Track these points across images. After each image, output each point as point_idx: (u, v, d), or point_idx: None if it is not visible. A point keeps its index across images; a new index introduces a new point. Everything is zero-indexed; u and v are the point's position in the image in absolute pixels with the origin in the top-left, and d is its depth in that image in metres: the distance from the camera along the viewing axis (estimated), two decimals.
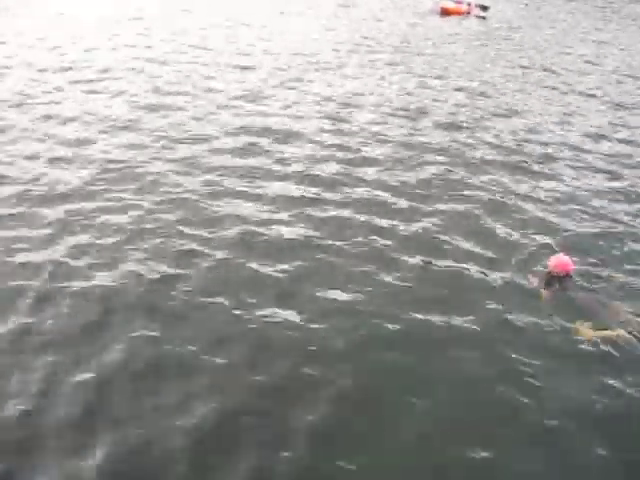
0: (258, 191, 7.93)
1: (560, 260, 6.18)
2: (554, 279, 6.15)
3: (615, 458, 4.36)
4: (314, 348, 5.23)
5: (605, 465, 4.33)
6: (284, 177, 8.39)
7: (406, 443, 4.42)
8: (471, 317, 5.75)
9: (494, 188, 8.45)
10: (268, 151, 9.24)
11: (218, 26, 17.51)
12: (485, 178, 8.76)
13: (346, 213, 7.49)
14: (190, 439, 4.33)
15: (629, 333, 5.48)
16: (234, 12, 19.71)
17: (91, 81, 12.17)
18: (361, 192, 8.06)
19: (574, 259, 6.39)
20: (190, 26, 17.25)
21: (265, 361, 5.07)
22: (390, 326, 5.54)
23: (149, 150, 9.08)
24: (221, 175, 8.37)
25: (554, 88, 13.55)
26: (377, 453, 4.34)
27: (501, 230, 7.34)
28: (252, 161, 8.85)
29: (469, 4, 22.35)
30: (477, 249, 6.90)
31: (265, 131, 9.96)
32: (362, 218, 7.39)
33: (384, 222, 7.33)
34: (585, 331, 5.52)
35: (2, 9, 19.18)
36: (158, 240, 6.74)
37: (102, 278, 6.03)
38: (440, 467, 4.28)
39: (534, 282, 6.21)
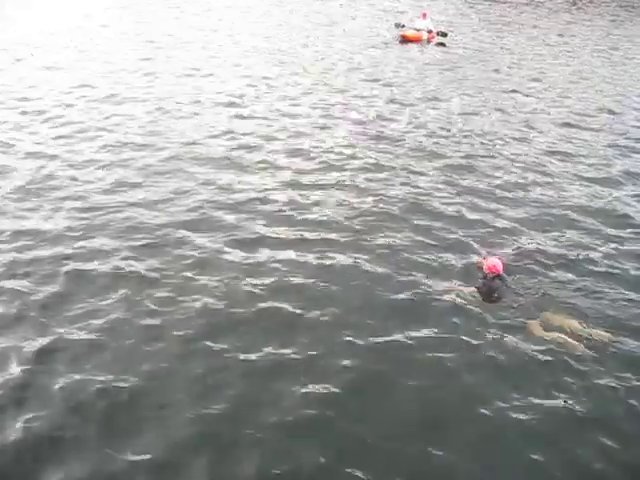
0: None
1: (490, 262, 7.05)
2: (487, 280, 6.99)
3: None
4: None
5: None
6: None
7: None
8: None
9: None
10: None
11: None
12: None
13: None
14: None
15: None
16: None
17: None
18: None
19: (507, 258, 7.33)
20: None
21: None
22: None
23: None
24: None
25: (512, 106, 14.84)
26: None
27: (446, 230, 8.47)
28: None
29: (430, 32, 22.94)
30: (427, 252, 7.89)
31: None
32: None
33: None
34: (537, 330, 6.31)
35: None
36: None
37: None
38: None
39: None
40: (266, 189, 9.44)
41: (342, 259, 7.57)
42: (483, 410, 5.35)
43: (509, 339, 6.23)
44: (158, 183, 9.55)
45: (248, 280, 7.05)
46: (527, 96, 16.04)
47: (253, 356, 5.86)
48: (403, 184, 9.96)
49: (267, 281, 7.05)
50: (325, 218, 8.64)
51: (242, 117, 13.02)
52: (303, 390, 5.49)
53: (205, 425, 5.12)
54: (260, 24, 24.65)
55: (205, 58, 18.17)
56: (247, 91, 14.97)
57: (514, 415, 5.32)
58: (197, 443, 4.95)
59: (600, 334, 6.29)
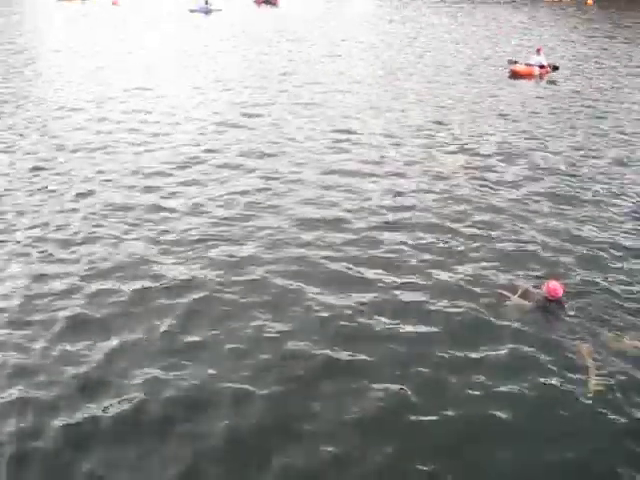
0: None
1: (551, 285, 7.79)
2: (546, 302, 7.77)
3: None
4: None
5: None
6: None
7: None
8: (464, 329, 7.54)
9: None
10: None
11: None
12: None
13: None
14: None
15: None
16: None
17: None
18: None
19: (565, 284, 8.01)
20: None
21: None
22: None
23: None
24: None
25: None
26: None
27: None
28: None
29: (542, 67, 22.39)
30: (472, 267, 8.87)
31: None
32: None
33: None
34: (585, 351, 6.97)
35: None
36: None
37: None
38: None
39: (506, 297, 7.88)
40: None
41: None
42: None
43: (556, 363, 6.90)
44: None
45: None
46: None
47: None
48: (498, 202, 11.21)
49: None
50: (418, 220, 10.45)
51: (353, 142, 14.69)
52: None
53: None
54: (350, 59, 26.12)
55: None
56: (358, 123, 16.46)
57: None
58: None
59: None
